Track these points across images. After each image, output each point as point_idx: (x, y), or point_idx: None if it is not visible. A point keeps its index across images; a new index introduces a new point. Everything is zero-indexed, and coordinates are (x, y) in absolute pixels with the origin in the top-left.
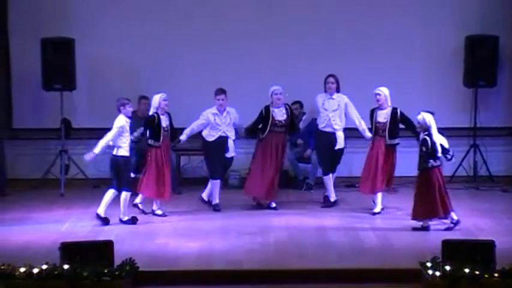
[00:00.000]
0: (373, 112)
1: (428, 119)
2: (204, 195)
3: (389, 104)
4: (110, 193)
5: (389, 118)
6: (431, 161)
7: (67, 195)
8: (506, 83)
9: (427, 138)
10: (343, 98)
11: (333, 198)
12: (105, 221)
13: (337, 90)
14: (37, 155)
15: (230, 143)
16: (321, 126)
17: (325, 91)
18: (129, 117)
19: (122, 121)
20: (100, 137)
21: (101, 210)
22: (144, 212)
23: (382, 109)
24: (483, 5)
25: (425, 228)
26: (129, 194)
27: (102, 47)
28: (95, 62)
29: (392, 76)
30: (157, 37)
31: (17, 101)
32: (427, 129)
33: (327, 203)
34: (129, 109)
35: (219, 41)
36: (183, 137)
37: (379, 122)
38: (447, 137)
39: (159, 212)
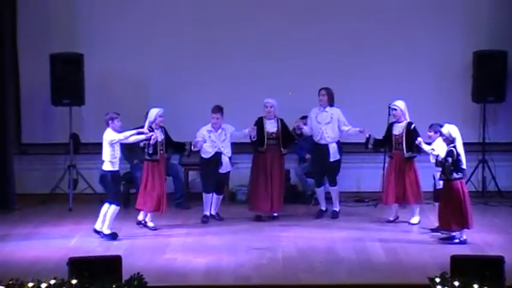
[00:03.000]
0: (391, 125)
1: (453, 131)
2: (213, 211)
3: (407, 118)
4: (109, 208)
5: (405, 131)
6: (453, 173)
7: (75, 210)
8: None
9: (453, 149)
10: (337, 111)
11: (323, 207)
12: (113, 236)
13: (330, 103)
14: (45, 170)
15: (224, 159)
16: (315, 139)
17: (320, 104)
18: (118, 132)
19: (110, 136)
20: None
21: (104, 227)
22: (154, 228)
23: (398, 122)
24: (492, 20)
25: (449, 239)
26: (116, 207)
27: (110, 62)
28: (103, 77)
29: (401, 92)
30: (166, 52)
31: (25, 116)
32: (452, 141)
33: (332, 215)
34: (118, 123)
35: (229, 58)
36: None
37: (395, 135)
38: None
39: (151, 224)
